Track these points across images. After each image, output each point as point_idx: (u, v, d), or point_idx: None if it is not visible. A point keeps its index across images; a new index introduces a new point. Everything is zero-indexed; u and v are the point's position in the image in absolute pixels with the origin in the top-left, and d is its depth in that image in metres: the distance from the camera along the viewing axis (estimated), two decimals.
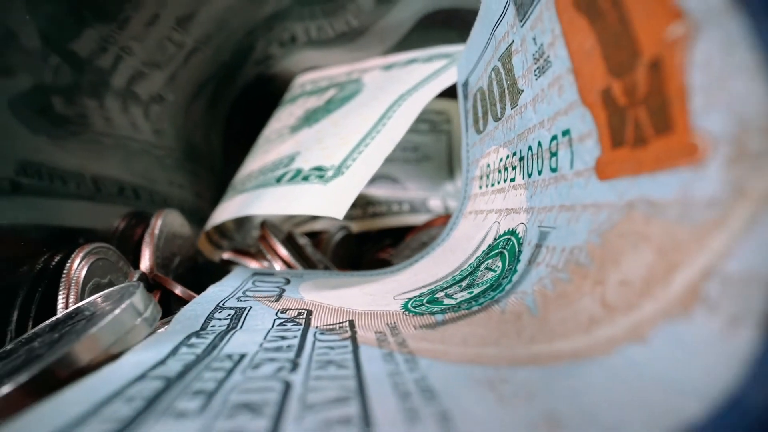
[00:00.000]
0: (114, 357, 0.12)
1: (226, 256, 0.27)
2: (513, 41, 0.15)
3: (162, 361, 0.10)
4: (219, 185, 0.40)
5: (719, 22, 0.06)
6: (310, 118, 0.30)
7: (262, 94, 0.43)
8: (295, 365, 0.10)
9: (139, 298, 0.13)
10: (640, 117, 0.09)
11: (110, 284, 0.20)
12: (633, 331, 0.08)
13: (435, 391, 0.08)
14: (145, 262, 0.23)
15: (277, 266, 0.24)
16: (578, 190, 0.11)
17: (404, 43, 0.37)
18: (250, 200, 0.25)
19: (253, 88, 0.43)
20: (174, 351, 0.11)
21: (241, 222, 0.36)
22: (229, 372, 0.09)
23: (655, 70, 0.08)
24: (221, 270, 0.29)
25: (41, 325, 0.15)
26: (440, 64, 0.28)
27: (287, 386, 0.09)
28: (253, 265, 0.26)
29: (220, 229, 0.32)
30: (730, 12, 0.06)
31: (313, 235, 0.35)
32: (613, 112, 0.10)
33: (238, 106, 0.43)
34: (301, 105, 0.34)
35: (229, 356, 0.11)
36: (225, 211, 0.27)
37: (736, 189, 0.07)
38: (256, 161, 0.31)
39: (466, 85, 0.23)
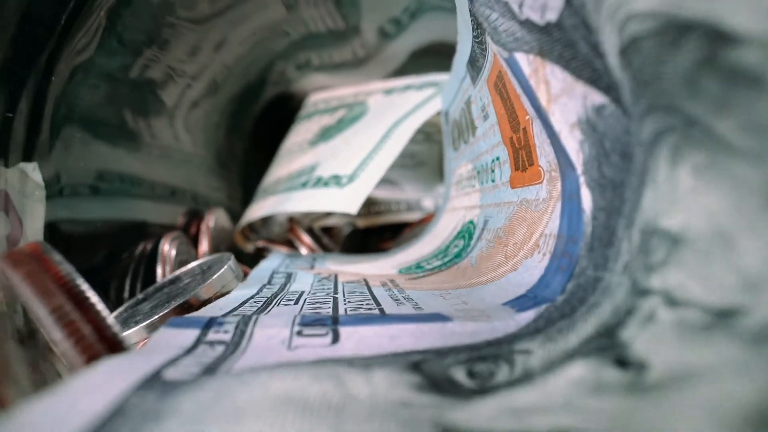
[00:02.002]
0: (222, 295, 0.19)
1: (261, 244, 0.35)
2: (471, 95, 0.23)
3: (257, 293, 0.18)
4: (245, 188, 0.48)
5: (535, 119, 0.14)
6: (325, 134, 0.38)
7: (280, 110, 0.51)
8: (335, 292, 0.18)
9: (232, 262, 0.21)
10: (523, 155, 0.17)
11: (187, 261, 0.28)
12: (513, 267, 0.16)
13: (412, 298, 0.16)
14: (203, 247, 0.31)
15: (303, 251, 0.32)
16: (502, 194, 0.19)
17: (403, 69, 0.45)
18: (282, 200, 0.33)
19: (272, 104, 0.51)
20: (260, 290, 0.19)
21: (266, 219, 0.44)
22: (300, 296, 0.17)
23: (525, 133, 0.16)
24: (255, 257, 0.37)
25: (157, 284, 0.23)
26: (430, 92, 0.36)
27: (335, 299, 0.16)
28: (283, 250, 0.34)
29: (251, 225, 0.40)
30: (537, 117, 0.14)
31: (327, 230, 0.43)
32: (514, 150, 0.18)
33: (259, 120, 0.51)
34: (316, 122, 0.42)
35: (295, 291, 0.19)
36: (260, 209, 0.35)
37: (549, 194, 0.15)
38: (282, 169, 0.39)
39: (447, 113, 0.31)
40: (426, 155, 0.50)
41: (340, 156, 0.33)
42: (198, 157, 0.43)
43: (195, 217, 0.34)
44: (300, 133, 0.43)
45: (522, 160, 0.17)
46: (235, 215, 0.42)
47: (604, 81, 0.10)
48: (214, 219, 0.32)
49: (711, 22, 0.07)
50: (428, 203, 0.45)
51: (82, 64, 0.26)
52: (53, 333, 0.09)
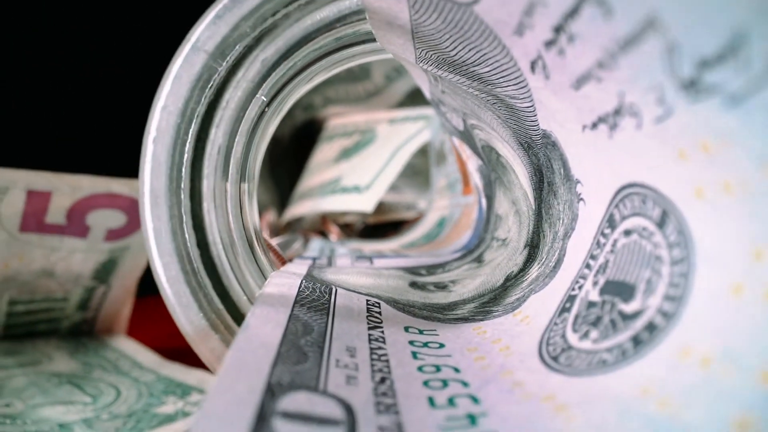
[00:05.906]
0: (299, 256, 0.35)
1: (301, 233, 0.50)
2: (444, 138, 0.38)
3: (318, 256, 0.34)
4: (281, 193, 0.64)
5: (466, 163, 0.30)
6: (345, 154, 0.54)
7: (305, 131, 0.67)
8: (364, 254, 0.33)
9: (303, 240, 0.36)
10: (465, 178, 0.32)
11: None
12: (458, 237, 0.32)
13: (405, 255, 0.32)
14: (264, 235, 0.47)
15: (333, 238, 0.48)
16: (459, 199, 0.35)
17: (402, 102, 0.60)
18: (317, 203, 0.48)
19: (299, 127, 0.67)
20: (320, 254, 0.35)
21: (299, 218, 0.59)
22: (345, 255, 0.33)
23: (465, 166, 0.32)
24: None
25: None
26: (421, 124, 0.52)
27: (367, 256, 0.32)
28: (318, 238, 0.49)
29: (288, 222, 0.56)
30: (466, 162, 0.30)
31: (345, 226, 0.58)
32: (463, 174, 0.33)
33: (290, 139, 0.66)
34: (337, 143, 0.58)
35: (341, 253, 0.34)
36: (300, 209, 0.50)
37: (475, 200, 0.30)
38: (312, 179, 0.54)
39: (432, 143, 0.46)
40: (421, 166, 0.65)
41: (358, 171, 0.48)
42: None
43: None
44: (324, 151, 0.58)
45: (466, 179, 0.32)
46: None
47: (481, 157, 0.25)
48: (271, 216, 0.48)
49: (496, 151, 0.22)
50: (422, 204, 0.61)
51: None
52: (269, 236, 0.24)
